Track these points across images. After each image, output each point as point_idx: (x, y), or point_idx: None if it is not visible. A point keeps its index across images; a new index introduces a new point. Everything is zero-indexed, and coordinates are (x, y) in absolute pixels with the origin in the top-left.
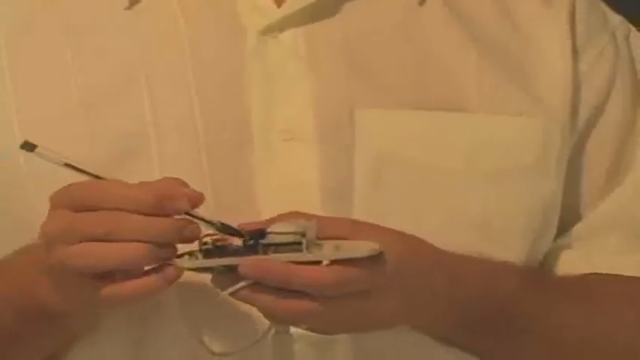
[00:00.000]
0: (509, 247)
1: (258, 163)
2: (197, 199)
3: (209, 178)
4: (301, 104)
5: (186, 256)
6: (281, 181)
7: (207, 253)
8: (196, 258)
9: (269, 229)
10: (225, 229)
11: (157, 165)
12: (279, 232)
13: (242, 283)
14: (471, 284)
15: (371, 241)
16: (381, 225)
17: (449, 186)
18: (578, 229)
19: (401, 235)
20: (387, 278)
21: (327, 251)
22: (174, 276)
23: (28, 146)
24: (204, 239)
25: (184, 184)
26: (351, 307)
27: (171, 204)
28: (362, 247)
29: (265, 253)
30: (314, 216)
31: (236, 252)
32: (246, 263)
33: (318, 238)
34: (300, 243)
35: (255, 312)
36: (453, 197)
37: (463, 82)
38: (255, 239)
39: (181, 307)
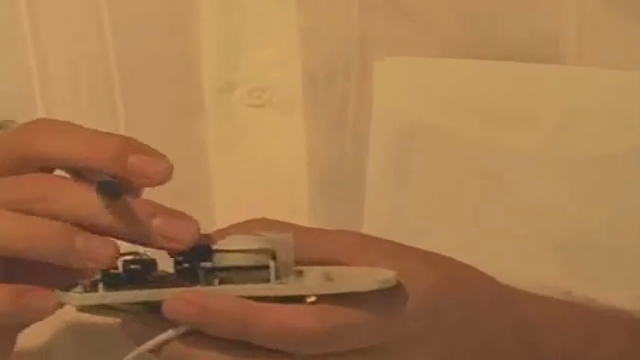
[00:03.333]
0: (615, 280)
1: (212, 141)
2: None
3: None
4: (282, 48)
5: (79, 287)
6: (246, 168)
7: (112, 282)
8: (94, 289)
9: (216, 246)
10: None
11: None
12: (233, 249)
13: (169, 333)
14: (549, 342)
15: (382, 268)
16: (401, 241)
17: (518, 179)
18: None
19: (431, 257)
20: (409, 325)
21: (312, 282)
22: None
23: None
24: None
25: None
26: None
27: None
28: (367, 277)
29: (209, 282)
30: (291, 226)
31: (162, 281)
32: (174, 298)
33: (298, 262)
34: (266, 267)
35: None
36: (526, 198)
37: (552, 18)
38: (194, 261)
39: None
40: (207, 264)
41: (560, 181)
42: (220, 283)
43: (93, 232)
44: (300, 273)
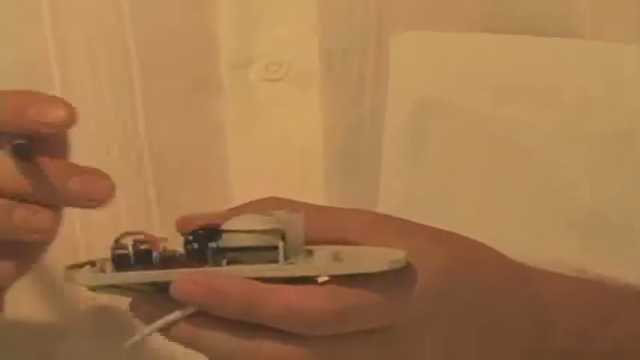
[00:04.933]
0: (629, 257)
1: (228, 116)
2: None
3: (145, 136)
4: (299, 23)
5: (88, 266)
6: (262, 144)
7: (123, 263)
8: (102, 270)
9: (225, 226)
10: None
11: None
12: (242, 230)
13: (176, 314)
14: (563, 320)
15: (394, 247)
16: (415, 216)
17: (533, 155)
18: None
19: (444, 236)
20: (418, 305)
21: (320, 262)
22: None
23: None
24: (122, 240)
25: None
26: (363, 356)
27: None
28: (377, 257)
29: (217, 263)
30: (303, 205)
31: (170, 261)
32: (181, 279)
33: (309, 241)
34: (275, 248)
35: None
36: (541, 175)
37: None
38: (202, 241)
39: (97, 341)
40: (215, 244)
41: (574, 157)
42: (229, 263)
43: (16, 199)
44: (309, 253)
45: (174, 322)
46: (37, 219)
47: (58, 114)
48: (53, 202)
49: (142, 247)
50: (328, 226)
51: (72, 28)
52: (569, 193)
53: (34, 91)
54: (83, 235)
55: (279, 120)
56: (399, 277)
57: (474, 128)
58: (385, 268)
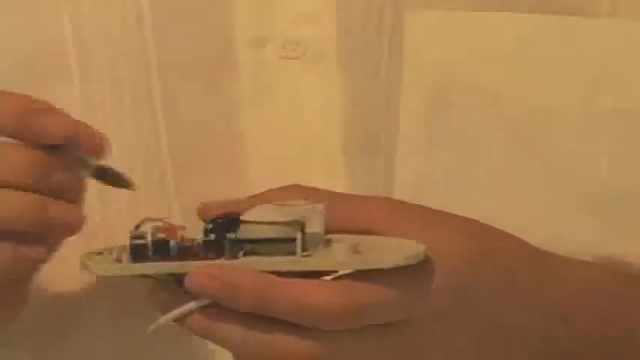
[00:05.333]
0: None
1: (245, 95)
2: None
3: (162, 118)
4: (316, 1)
5: (106, 254)
6: (279, 122)
7: (140, 253)
8: (119, 260)
9: (244, 216)
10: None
11: (80, 99)
12: (261, 221)
13: (192, 304)
14: (590, 307)
15: (413, 239)
16: (431, 197)
17: (554, 135)
18: None
19: (465, 225)
20: (435, 301)
21: (338, 255)
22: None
23: None
24: (143, 227)
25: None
26: (377, 349)
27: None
28: (395, 251)
29: (234, 255)
30: (325, 193)
31: (187, 251)
32: (196, 272)
33: (329, 230)
34: (293, 240)
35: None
36: (558, 155)
37: None
38: (220, 232)
39: (115, 327)
40: (233, 235)
41: (591, 135)
42: (245, 254)
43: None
44: (328, 243)
45: (190, 313)
46: (70, 217)
47: (57, 128)
48: (78, 199)
49: (160, 236)
50: (350, 215)
51: (89, 17)
52: (587, 172)
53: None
54: (103, 222)
55: (296, 98)
56: (417, 271)
57: (491, 108)
58: (402, 263)
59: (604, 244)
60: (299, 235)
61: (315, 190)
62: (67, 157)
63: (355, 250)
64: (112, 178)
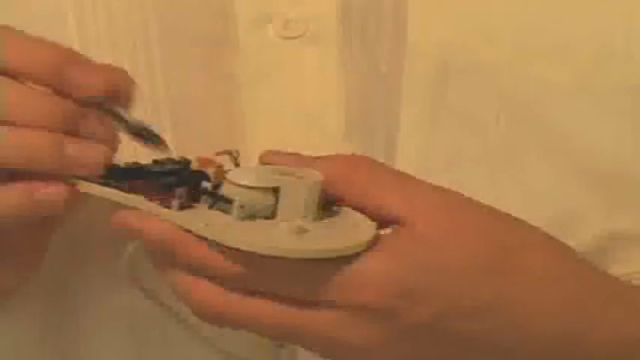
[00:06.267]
0: None
1: (245, 73)
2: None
3: (163, 93)
4: None
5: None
6: (279, 101)
7: (112, 174)
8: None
9: (230, 174)
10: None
11: None
12: (235, 182)
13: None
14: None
15: (437, 226)
16: (433, 175)
17: (552, 111)
18: None
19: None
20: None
21: (275, 234)
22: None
23: None
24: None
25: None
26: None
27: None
28: (342, 236)
29: (211, 205)
30: (388, 171)
31: (151, 186)
32: (118, 215)
33: (329, 202)
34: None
35: None
36: (557, 130)
37: None
38: (195, 179)
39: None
40: (208, 185)
41: (594, 112)
42: (219, 210)
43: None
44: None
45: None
46: (89, 154)
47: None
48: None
49: (194, 164)
50: (379, 197)
51: None
52: (591, 148)
53: (72, 52)
54: None
55: (297, 77)
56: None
57: (493, 84)
58: (334, 254)
59: (609, 221)
60: (236, 203)
61: (382, 166)
62: (101, 109)
63: (301, 230)
64: (146, 134)
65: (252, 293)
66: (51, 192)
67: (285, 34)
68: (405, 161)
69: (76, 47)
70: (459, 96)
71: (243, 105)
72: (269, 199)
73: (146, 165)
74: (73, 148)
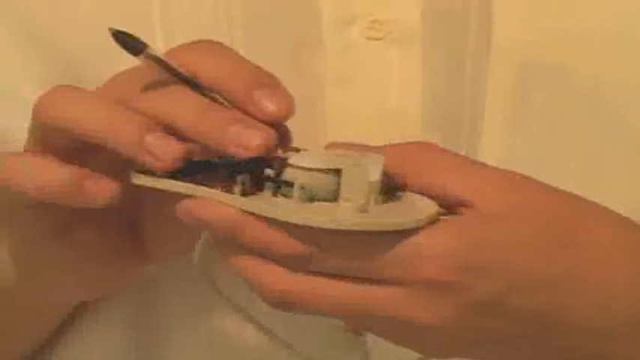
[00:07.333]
0: None
1: (329, 74)
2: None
3: None
4: None
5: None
6: (361, 103)
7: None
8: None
9: (293, 159)
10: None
11: None
12: (300, 165)
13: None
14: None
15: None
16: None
17: (638, 115)
18: None
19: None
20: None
21: (338, 212)
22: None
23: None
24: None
25: None
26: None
27: None
28: (405, 214)
29: (274, 193)
30: (464, 160)
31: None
32: (182, 205)
33: (393, 188)
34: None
35: None
36: None
37: None
38: (259, 167)
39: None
40: (271, 172)
41: None
42: (282, 196)
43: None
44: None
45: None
46: (163, 149)
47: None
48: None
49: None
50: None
51: None
52: None
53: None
54: None
55: (379, 79)
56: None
57: (577, 90)
58: (389, 227)
59: None
60: (297, 184)
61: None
62: None
63: (364, 209)
64: None
65: (318, 275)
66: (102, 186)
67: (370, 35)
68: (488, 163)
69: (160, 44)
70: (543, 97)
71: (326, 106)
72: (331, 181)
73: (207, 159)
74: (151, 138)
